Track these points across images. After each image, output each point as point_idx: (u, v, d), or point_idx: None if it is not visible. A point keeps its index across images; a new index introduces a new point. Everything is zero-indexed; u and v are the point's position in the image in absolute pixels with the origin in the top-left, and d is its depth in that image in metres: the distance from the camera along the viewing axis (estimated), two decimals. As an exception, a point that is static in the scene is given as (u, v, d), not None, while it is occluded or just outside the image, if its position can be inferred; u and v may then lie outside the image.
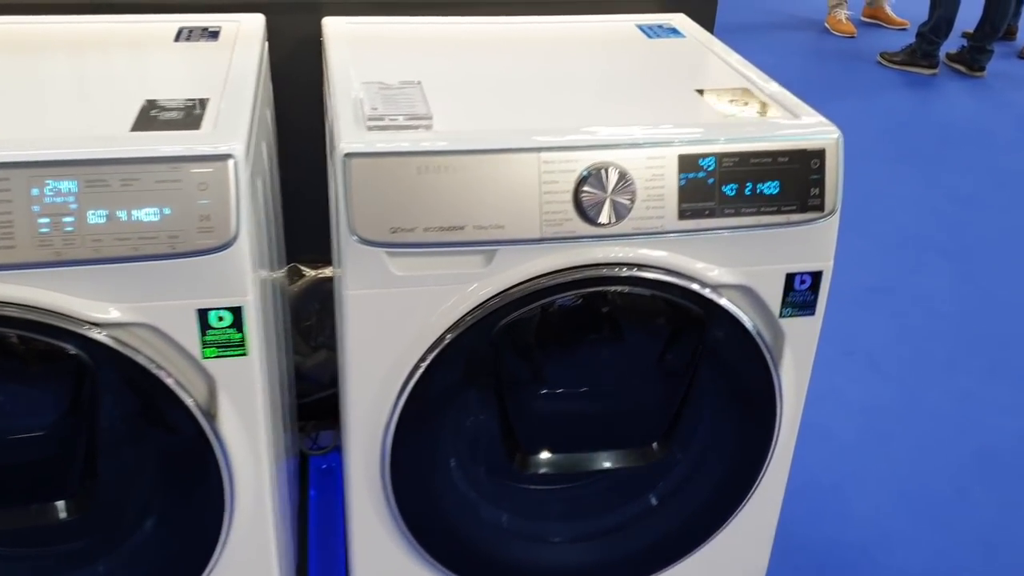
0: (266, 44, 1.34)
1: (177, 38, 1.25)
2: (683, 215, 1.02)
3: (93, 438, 0.98)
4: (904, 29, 4.84)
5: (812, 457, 1.91)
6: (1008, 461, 1.95)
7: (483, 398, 1.08)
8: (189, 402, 0.98)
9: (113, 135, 0.93)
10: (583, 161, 0.99)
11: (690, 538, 1.21)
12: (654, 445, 1.15)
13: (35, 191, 0.88)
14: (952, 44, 4.39)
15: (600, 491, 1.20)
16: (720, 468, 1.17)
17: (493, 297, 1.02)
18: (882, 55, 4.44)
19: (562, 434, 1.12)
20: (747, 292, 1.08)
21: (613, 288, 1.03)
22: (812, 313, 1.11)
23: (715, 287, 1.06)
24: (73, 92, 1.08)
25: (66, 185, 0.89)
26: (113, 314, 0.94)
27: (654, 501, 1.19)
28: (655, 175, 1.00)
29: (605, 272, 1.03)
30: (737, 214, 1.02)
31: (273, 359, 1.15)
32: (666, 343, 1.08)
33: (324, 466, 1.71)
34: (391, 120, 1.01)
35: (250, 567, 1.10)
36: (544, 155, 0.98)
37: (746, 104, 1.10)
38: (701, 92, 1.14)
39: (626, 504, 1.20)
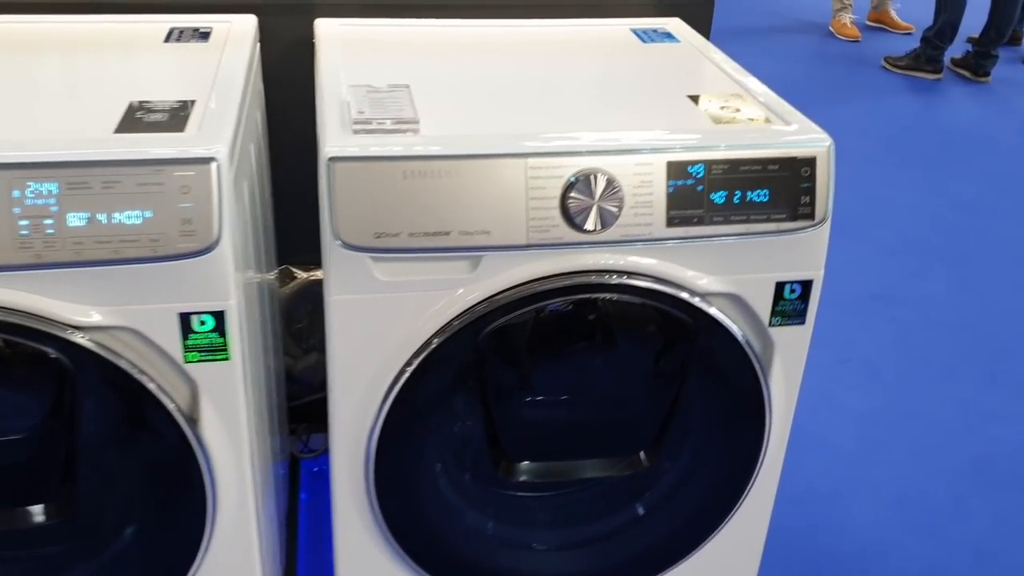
0: (258, 45, 1.33)
1: (167, 39, 1.24)
2: (671, 223, 1.01)
3: (73, 442, 0.97)
4: (909, 33, 4.82)
5: (808, 464, 1.89)
6: (1005, 471, 1.93)
7: (469, 404, 1.07)
8: (171, 407, 0.97)
9: (95, 137, 0.92)
10: (570, 167, 0.98)
11: (678, 548, 1.20)
12: (641, 454, 1.14)
13: (16, 193, 0.88)
14: (957, 49, 4.37)
15: (587, 499, 1.19)
16: (708, 478, 1.16)
17: (479, 304, 1.01)
18: (886, 59, 4.42)
19: (548, 442, 1.12)
20: (736, 301, 1.07)
21: (600, 295, 1.02)
22: (802, 322, 1.09)
23: (704, 295, 1.05)
24: (60, 92, 1.07)
25: (47, 187, 0.88)
26: (94, 317, 0.93)
27: (641, 510, 1.18)
28: (643, 182, 0.99)
29: (592, 279, 1.02)
30: (726, 222, 1.01)
31: (259, 363, 1.14)
32: (654, 352, 1.07)
33: (315, 469, 1.70)
34: (378, 124, 1.00)
35: (233, 572, 1.09)
36: (531, 161, 0.97)
37: (738, 111, 1.09)
38: (693, 98, 1.13)
39: (613, 513, 1.19)
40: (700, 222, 1.01)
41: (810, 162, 1.02)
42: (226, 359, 0.97)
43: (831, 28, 4.85)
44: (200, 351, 0.97)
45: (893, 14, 4.96)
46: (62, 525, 1.02)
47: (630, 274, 1.03)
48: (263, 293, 1.25)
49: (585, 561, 1.19)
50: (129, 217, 0.90)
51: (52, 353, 0.92)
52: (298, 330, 1.60)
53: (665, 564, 1.21)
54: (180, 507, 1.02)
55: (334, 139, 0.96)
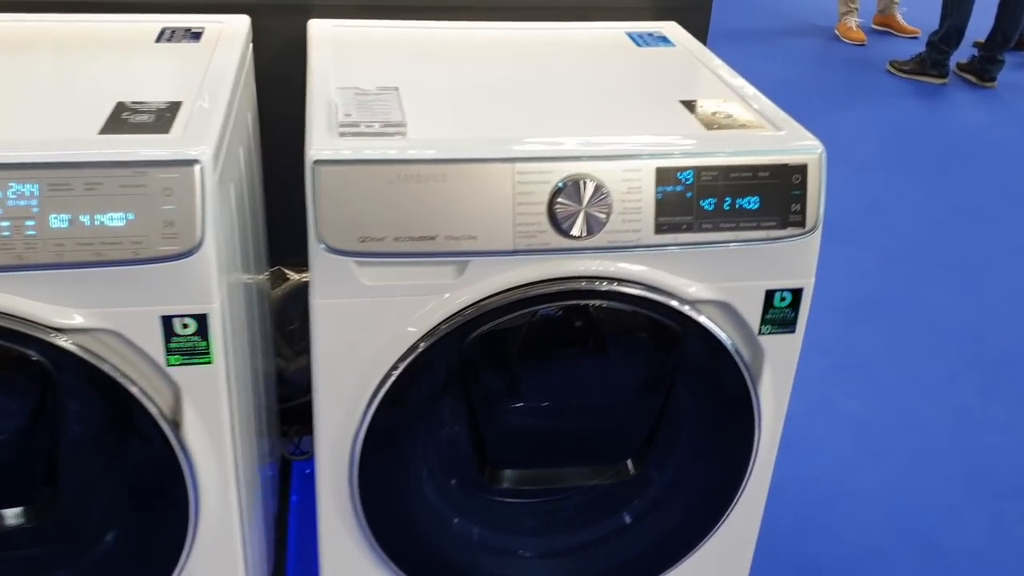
0: (250, 46, 1.33)
1: (159, 39, 1.24)
2: (660, 229, 1.00)
3: (55, 445, 0.97)
4: (915, 37, 4.80)
5: (802, 471, 1.88)
6: (1002, 480, 1.92)
7: (454, 410, 1.07)
8: (153, 410, 0.96)
9: (78, 138, 0.92)
10: (558, 172, 0.97)
11: (665, 556, 1.19)
12: (628, 462, 1.13)
13: (-3, 194, 0.87)
14: (963, 54, 4.35)
15: (574, 506, 1.18)
16: (697, 486, 1.15)
17: (465, 309, 1.00)
18: (891, 63, 4.40)
19: (534, 449, 1.11)
20: (726, 308, 1.06)
21: (587, 302, 1.01)
22: (793, 331, 1.08)
23: (693, 303, 1.04)
24: (47, 92, 1.07)
25: (28, 188, 0.88)
26: (76, 320, 0.92)
27: (628, 518, 1.17)
28: (632, 188, 0.98)
29: (579, 285, 1.01)
30: (715, 229, 1.00)
31: (245, 366, 1.13)
32: (641, 359, 1.06)
33: (307, 471, 1.70)
34: (367, 127, 1.00)
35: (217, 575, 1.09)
36: (519, 166, 0.97)
37: (730, 116, 1.08)
38: (685, 103, 1.12)
39: (600, 520, 1.18)
40: (689, 229, 1.00)
41: (801, 169, 1.01)
42: (209, 363, 0.97)
43: (836, 31, 4.83)
44: (183, 354, 0.96)
45: (899, 18, 4.94)
46: (43, 527, 1.02)
47: (618, 281, 1.02)
48: (252, 295, 1.24)
49: (571, 569, 1.18)
50: (111, 219, 0.89)
51: (33, 355, 0.92)
52: (290, 332, 1.59)
53: (652, 573, 1.20)
54: (162, 510, 1.01)
55: (319, 142, 0.95)
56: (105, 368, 0.94)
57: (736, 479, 1.15)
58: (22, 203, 0.88)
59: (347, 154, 0.94)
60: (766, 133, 1.05)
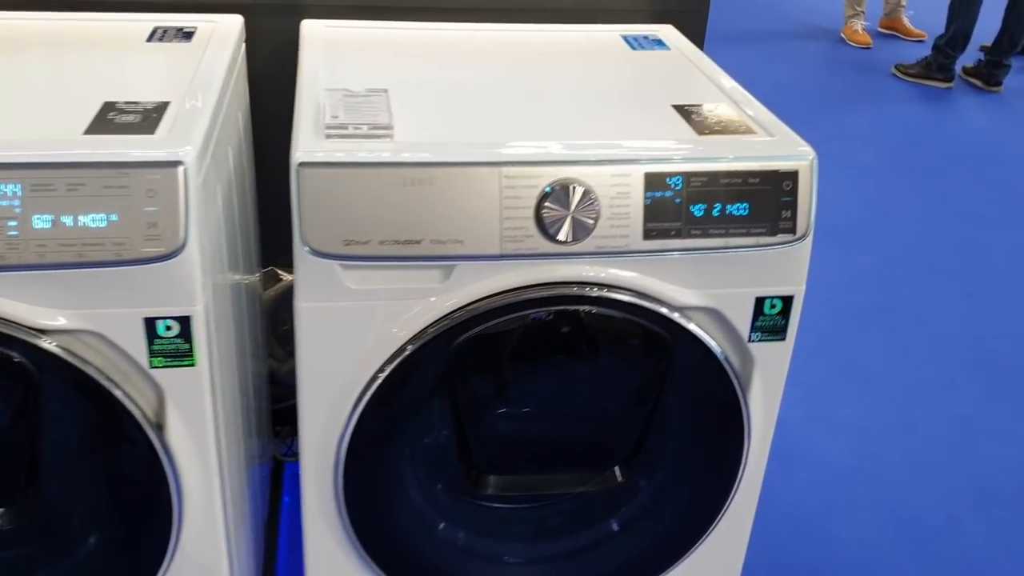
0: (243, 46, 1.32)
1: (150, 38, 1.23)
2: (648, 235, 0.99)
3: (37, 446, 0.96)
4: (921, 41, 4.77)
5: (800, 477, 1.87)
6: (1002, 489, 1.90)
7: (439, 415, 1.06)
8: (136, 413, 0.96)
9: (62, 138, 0.91)
10: (546, 177, 0.96)
11: (654, 564, 1.18)
12: (616, 470, 1.12)
13: (-21, 194, 0.87)
14: (969, 58, 4.32)
15: (561, 513, 1.17)
16: (686, 494, 1.14)
17: (452, 313, 0.99)
18: (897, 67, 4.38)
19: (520, 455, 1.10)
20: (715, 315, 1.05)
21: (575, 308, 1.00)
22: (783, 338, 1.07)
23: (682, 309, 1.03)
24: (35, 91, 1.06)
25: (11, 188, 0.87)
26: (59, 321, 0.92)
27: (616, 526, 1.16)
28: (620, 193, 0.97)
29: (567, 291, 1.00)
30: (705, 235, 0.99)
31: (232, 367, 1.13)
32: (629, 366, 1.05)
33: (299, 472, 1.69)
34: (354, 129, 0.99)
35: (202, 579, 1.08)
36: (506, 170, 0.96)
37: (722, 121, 1.07)
38: (677, 107, 1.10)
39: (588, 527, 1.17)
40: (678, 235, 0.99)
41: (792, 176, 1.00)
42: (192, 365, 0.96)
43: (842, 34, 4.80)
44: (166, 356, 0.95)
45: (905, 21, 4.91)
46: (24, 529, 1.01)
47: (607, 287, 1.01)
48: (241, 296, 1.23)
49: (558, 576, 1.18)
50: (94, 220, 0.89)
51: (15, 356, 0.91)
52: (283, 332, 1.58)
53: (641, 581, 1.19)
54: (146, 513, 1.01)
55: (305, 144, 0.95)
56: (88, 370, 0.93)
57: (725, 487, 1.14)
58: (4, 203, 0.87)
59: (332, 156, 0.93)
60: (758, 139, 1.04)
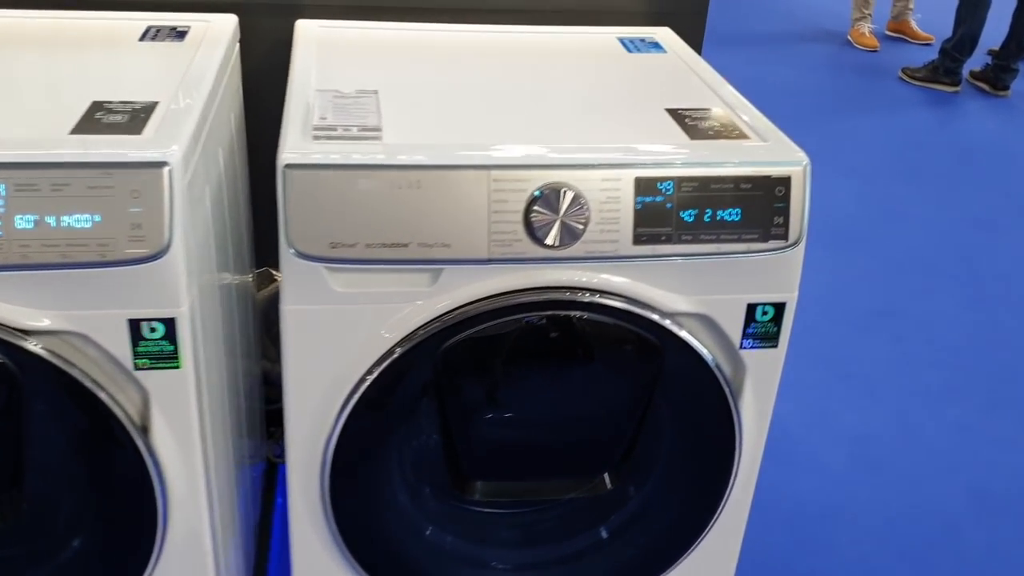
0: (237, 46, 1.31)
1: (143, 37, 1.23)
2: (639, 240, 0.98)
3: (20, 448, 0.96)
4: (929, 44, 4.74)
5: (798, 482, 1.85)
6: (1002, 499, 1.88)
7: (428, 419, 1.05)
8: (121, 415, 0.95)
9: (47, 137, 0.91)
10: (535, 180, 0.95)
11: (644, 572, 1.17)
12: (606, 476, 1.11)
13: (-38, 193, 0.86)
14: (976, 62, 4.30)
15: (550, 519, 1.16)
16: (676, 502, 1.13)
17: (439, 317, 0.98)
18: (904, 71, 4.36)
19: (508, 460, 1.09)
20: (707, 322, 1.04)
21: (564, 313, 0.99)
22: (775, 345, 1.06)
23: (673, 316, 1.02)
24: (25, 90, 1.06)
25: (-6, 188, 0.87)
26: (42, 322, 0.91)
27: (606, 533, 1.15)
28: (610, 197, 0.96)
29: (556, 296, 0.99)
30: (696, 241, 0.98)
31: (220, 369, 1.12)
32: (619, 372, 1.04)
33: (293, 474, 1.68)
34: (343, 130, 0.98)
35: (187, 583, 1.08)
36: (495, 173, 0.95)
37: (715, 126, 1.06)
38: (671, 111, 1.09)
39: (577, 534, 1.16)
40: (669, 240, 0.98)
41: (784, 181, 0.99)
42: (177, 367, 0.95)
43: (849, 37, 4.78)
44: (151, 358, 0.95)
45: (913, 24, 4.88)
46: (7, 531, 1.01)
47: (597, 292, 1.00)
48: (231, 297, 1.23)
49: (546, 583, 1.16)
50: (78, 220, 0.88)
51: (-1, 357, 0.91)
52: (277, 333, 1.57)
53: (630, 588, 1.18)
54: (130, 516, 1.00)
55: (292, 145, 0.94)
56: (72, 371, 0.92)
57: (717, 495, 1.13)
58: (-13, 203, 0.87)
59: (318, 158, 0.92)
60: (750, 144, 1.02)
